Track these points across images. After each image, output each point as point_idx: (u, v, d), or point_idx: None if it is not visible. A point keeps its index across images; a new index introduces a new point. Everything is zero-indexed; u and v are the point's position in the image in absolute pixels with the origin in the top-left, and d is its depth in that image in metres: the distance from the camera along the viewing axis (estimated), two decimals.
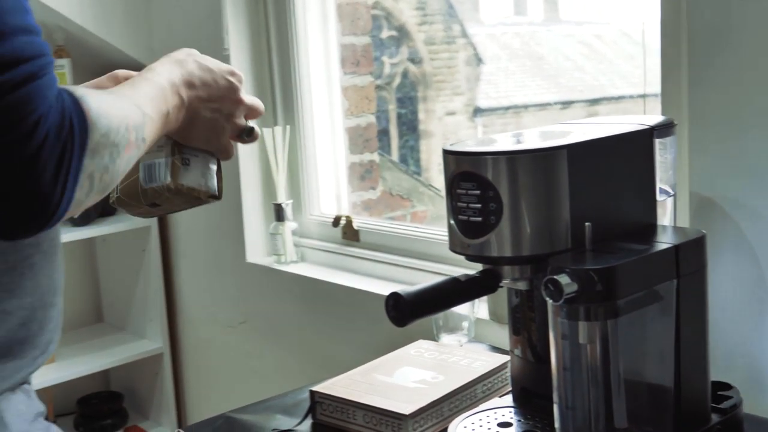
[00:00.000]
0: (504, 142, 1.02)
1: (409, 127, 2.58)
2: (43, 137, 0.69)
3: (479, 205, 0.94)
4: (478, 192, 0.94)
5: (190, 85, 0.92)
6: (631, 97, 1.38)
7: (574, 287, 0.87)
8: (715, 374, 1.16)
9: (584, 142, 0.96)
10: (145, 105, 0.83)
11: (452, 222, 0.98)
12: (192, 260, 2.34)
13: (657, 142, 1.05)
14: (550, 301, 0.88)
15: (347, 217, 1.96)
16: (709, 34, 1.16)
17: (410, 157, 2.96)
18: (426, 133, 2.59)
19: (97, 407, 2.49)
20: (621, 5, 1.33)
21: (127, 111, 0.80)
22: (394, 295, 0.90)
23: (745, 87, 1.14)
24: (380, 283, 1.81)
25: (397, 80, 2.60)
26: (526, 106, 2.82)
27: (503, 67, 2.78)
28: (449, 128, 2.62)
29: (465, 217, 0.96)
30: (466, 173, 0.95)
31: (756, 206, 1.14)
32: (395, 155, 2.67)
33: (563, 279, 0.86)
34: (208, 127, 0.95)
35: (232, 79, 0.97)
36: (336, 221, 1.97)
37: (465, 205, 0.96)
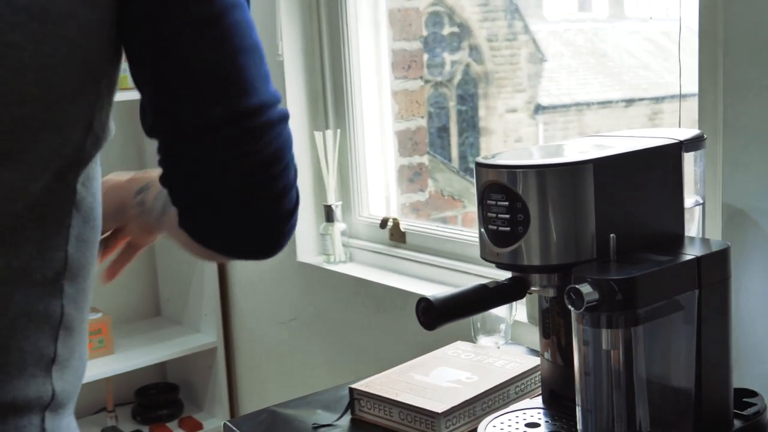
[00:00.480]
0: (534, 156, 1.06)
1: (469, 124, 2.59)
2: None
3: (507, 216, 0.99)
4: (506, 203, 0.99)
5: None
6: (695, 95, 1.39)
7: (596, 296, 0.91)
8: (740, 381, 1.18)
9: (610, 156, 1.00)
10: None
11: (483, 230, 1.03)
12: None
13: (686, 155, 1.08)
14: (572, 309, 0.92)
15: (394, 219, 2.02)
16: (745, 44, 1.18)
17: (470, 155, 2.97)
18: (486, 131, 2.60)
19: (154, 398, 2.60)
20: (688, 1, 1.34)
21: None
22: (424, 301, 0.96)
23: None
24: (425, 284, 1.87)
25: (458, 77, 2.61)
26: (588, 104, 2.80)
27: (566, 64, 2.77)
28: (510, 126, 2.63)
29: (494, 227, 1.01)
30: (496, 185, 1.00)
31: None
32: (455, 153, 2.69)
33: (585, 288, 0.91)
34: None
35: None
36: (383, 223, 2.02)
37: (494, 215, 1.00)
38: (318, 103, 2.15)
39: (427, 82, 2.31)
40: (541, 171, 0.97)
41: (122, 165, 2.33)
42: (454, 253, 1.85)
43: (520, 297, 1.03)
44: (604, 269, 0.95)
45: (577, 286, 0.91)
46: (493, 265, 1.05)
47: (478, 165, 1.02)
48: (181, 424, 2.54)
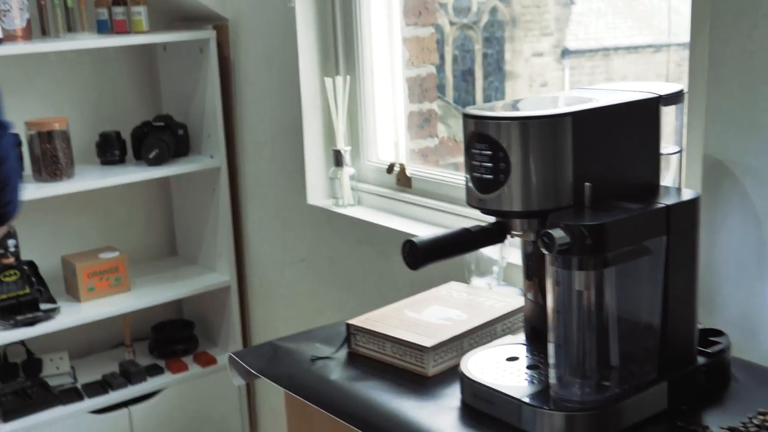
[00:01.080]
0: (518, 108, 1.13)
1: (495, 68, 2.60)
2: None
3: (490, 164, 1.06)
4: (490, 152, 1.06)
5: None
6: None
7: (567, 240, 0.98)
8: (712, 322, 1.26)
9: (589, 109, 1.06)
10: None
11: (468, 177, 1.10)
12: (258, 201, 2.51)
13: (666, 108, 1.14)
14: (545, 252, 1.00)
15: (401, 164, 2.09)
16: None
17: (495, 99, 2.96)
18: (512, 75, 2.60)
19: (170, 333, 2.71)
20: None
21: None
22: (409, 242, 1.04)
23: (764, 57, 1.21)
24: (429, 227, 1.94)
25: (485, 19, 2.61)
26: (615, 49, 2.77)
27: (594, 8, 2.73)
28: (535, 70, 2.63)
29: (478, 174, 1.08)
30: (480, 135, 1.06)
31: (762, 170, 1.23)
32: (479, 96, 2.70)
33: (557, 233, 0.98)
34: None
35: None
36: (390, 168, 2.10)
37: (479, 163, 1.07)
38: (329, 50, 2.21)
39: (452, 24, 2.33)
40: (523, 123, 1.04)
41: None
42: (457, 198, 1.92)
43: (501, 240, 1.11)
44: (578, 215, 1.02)
45: (549, 231, 0.98)
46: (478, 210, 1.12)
47: (465, 116, 1.09)
48: (196, 358, 2.66)
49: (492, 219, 1.13)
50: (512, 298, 1.41)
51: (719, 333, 1.20)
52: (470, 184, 1.10)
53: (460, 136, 2.91)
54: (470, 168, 1.09)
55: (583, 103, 1.09)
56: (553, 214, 1.03)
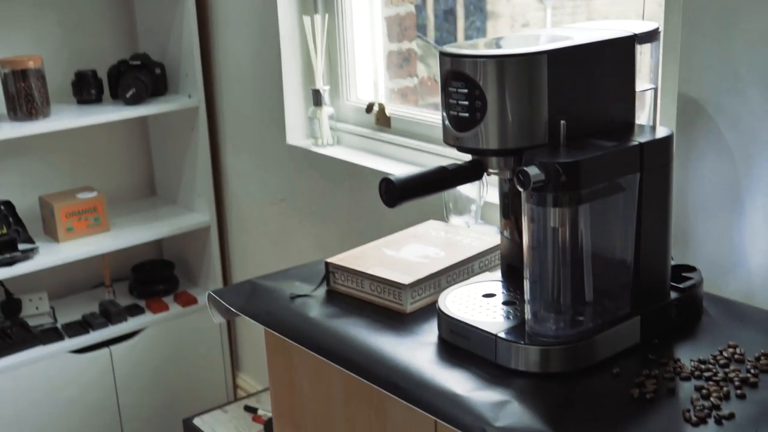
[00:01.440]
0: (496, 46, 1.13)
1: (477, 7, 2.59)
2: None
3: (467, 102, 1.06)
4: (466, 90, 1.06)
5: None
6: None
7: (542, 177, 0.99)
8: (686, 258, 1.29)
9: (564, 48, 1.06)
10: None
11: (445, 116, 1.10)
12: (237, 140, 2.50)
13: (641, 47, 1.14)
14: (521, 189, 1.01)
15: (380, 104, 2.08)
16: None
17: (476, 38, 2.93)
18: (493, 15, 2.59)
19: (150, 273, 2.72)
20: None
21: None
22: (386, 180, 1.04)
23: (733, 4, 1.21)
24: (408, 167, 1.95)
25: None
26: None
27: None
28: (517, 10, 2.62)
29: (455, 113, 1.08)
30: (457, 73, 1.06)
31: (734, 108, 1.24)
32: (461, 36, 2.69)
33: (532, 170, 0.99)
34: None
35: None
36: (369, 108, 2.09)
37: (455, 101, 1.08)
38: None
39: None
40: (499, 61, 1.04)
41: None
42: (436, 137, 1.93)
43: (478, 178, 1.12)
44: (553, 153, 1.03)
45: (525, 168, 0.99)
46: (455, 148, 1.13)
47: (442, 54, 1.09)
48: (177, 298, 2.67)
49: (469, 157, 1.14)
50: (489, 237, 1.43)
51: (692, 269, 1.22)
52: (447, 123, 1.11)
53: (439, 76, 2.90)
54: (447, 106, 1.10)
55: (560, 41, 1.09)
56: (529, 151, 1.04)
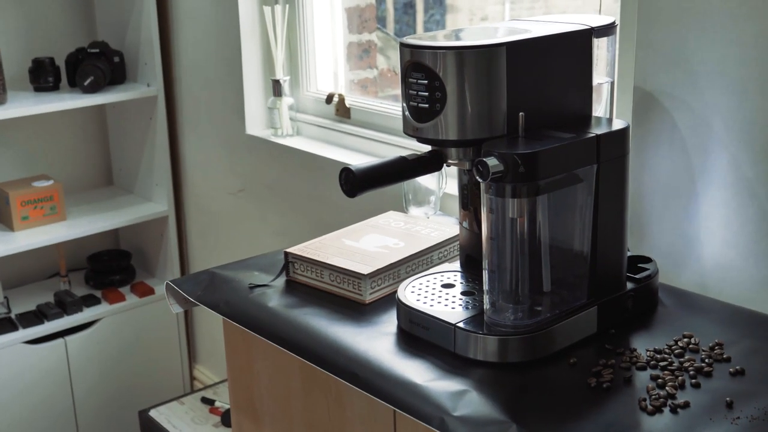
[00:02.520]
0: (455, 38, 1.13)
1: (436, 1, 2.60)
2: None
3: (426, 93, 1.07)
4: (426, 82, 1.06)
5: None
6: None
7: (500, 168, 1.00)
8: (641, 250, 1.30)
9: (522, 40, 1.07)
10: None
11: (404, 106, 1.10)
12: (196, 130, 2.48)
13: (598, 41, 1.15)
14: (480, 180, 1.02)
15: (340, 95, 2.08)
16: None
17: (435, 30, 2.94)
18: (453, 8, 2.60)
19: (106, 263, 2.69)
20: None
21: None
22: (346, 170, 1.04)
23: None
24: (368, 158, 1.95)
25: None
26: None
27: None
28: (476, 3, 2.64)
29: (415, 104, 1.08)
30: (417, 64, 1.07)
31: (688, 100, 1.26)
32: (420, 29, 2.71)
33: (491, 161, 1.00)
34: None
35: None
36: (329, 98, 2.09)
37: (415, 92, 1.08)
38: None
39: None
40: (458, 52, 1.04)
41: None
42: (396, 128, 1.93)
43: (437, 169, 1.12)
44: (511, 144, 1.04)
45: (484, 159, 1.00)
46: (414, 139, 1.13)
47: (402, 45, 1.09)
48: (133, 289, 2.65)
49: (428, 148, 1.14)
50: (448, 227, 1.44)
51: (647, 260, 1.24)
52: (407, 113, 1.11)
53: (399, 68, 2.90)
54: (407, 97, 1.10)
55: (518, 34, 1.10)
56: (488, 142, 1.05)
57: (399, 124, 1.93)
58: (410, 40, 1.08)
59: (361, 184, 1.04)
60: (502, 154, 1.00)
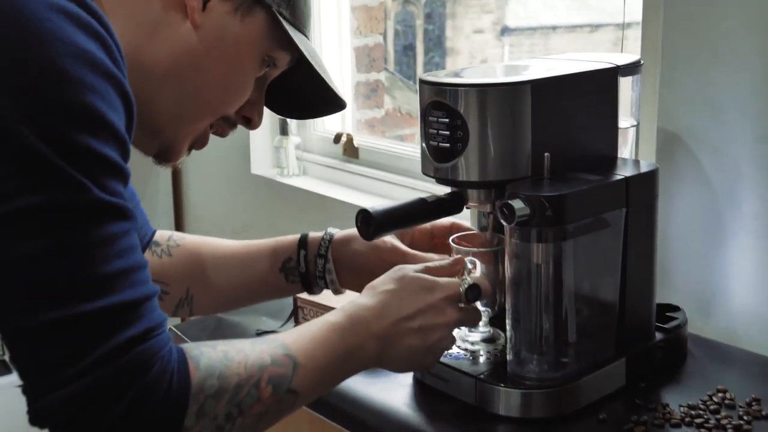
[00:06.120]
0: (477, 75, 1.09)
1: (436, 43, 2.59)
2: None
3: (447, 133, 1.02)
4: (447, 120, 1.01)
5: (380, 315, 0.89)
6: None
7: (527, 211, 0.95)
8: (667, 297, 1.25)
9: (548, 78, 1.02)
10: (302, 352, 0.82)
11: (424, 146, 1.06)
12: (200, 169, 2.43)
13: (622, 80, 1.11)
14: (504, 224, 0.96)
15: (348, 134, 2.04)
16: None
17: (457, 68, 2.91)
18: (452, 51, 2.59)
19: None
20: None
21: (258, 365, 0.77)
22: (364, 212, 0.99)
23: (717, 28, 1.19)
24: (376, 199, 1.90)
25: None
26: (554, 28, 2.79)
27: None
28: (476, 47, 2.63)
29: (435, 143, 1.03)
30: (437, 102, 1.02)
31: (715, 141, 1.21)
32: (420, 71, 2.69)
33: (517, 203, 0.94)
34: (407, 358, 0.92)
35: (438, 300, 0.93)
36: (337, 138, 2.04)
37: (435, 131, 1.03)
38: None
39: None
40: (482, 90, 1.00)
41: None
42: (405, 169, 1.88)
43: (458, 211, 1.07)
44: (537, 186, 0.99)
45: (509, 201, 0.95)
46: (433, 180, 1.08)
47: (422, 82, 1.04)
48: None
49: (445, 189, 1.09)
50: None
51: (675, 308, 1.18)
52: (426, 153, 1.06)
53: (405, 108, 2.88)
54: (426, 136, 1.05)
55: (543, 71, 1.06)
56: (512, 184, 1.00)
57: (409, 165, 1.89)
58: (430, 77, 1.04)
59: (380, 227, 0.99)
60: (528, 196, 0.95)
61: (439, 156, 1.03)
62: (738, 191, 1.20)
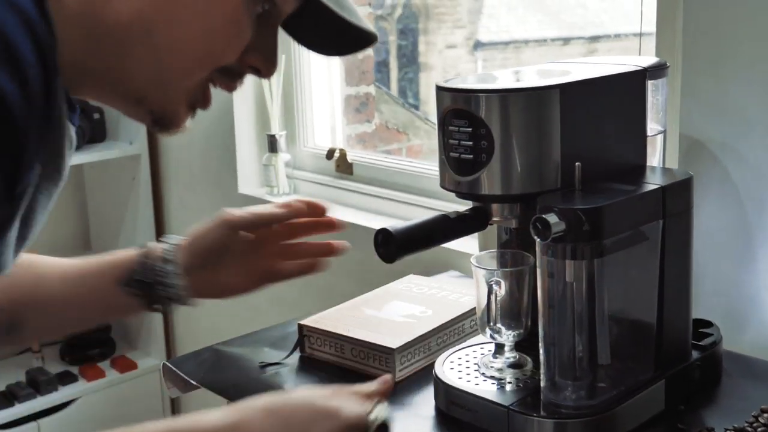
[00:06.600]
0: (498, 80, 1.01)
1: (409, 59, 2.56)
2: None
3: (470, 143, 0.94)
4: (469, 129, 0.94)
5: None
6: (630, 35, 1.36)
7: (562, 226, 0.87)
8: (697, 312, 1.17)
9: (577, 81, 0.95)
10: None
11: (444, 158, 0.98)
12: (183, 190, 2.34)
13: (649, 83, 1.04)
14: (537, 240, 0.89)
15: (341, 150, 1.96)
16: None
17: (409, 90, 2.91)
18: (426, 66, 2.57)
19: (83, 337, 2.48)
20: None
21: None
22: (383, 231, 0.91)
23: (738, 34, 1.13)
24: (373, 216, 1.82)
25: (399, 11, 2.55)
26: (526, 42, 2.78)
27: (505, 1, 2.74)
28: (449, 62, 2.60)
29: (456, 155, 0.96)
30: (459, 110, 0.94)
31: (742, 150, 1.15)
32: (394, 88, 2.64)
33: (551, 218, 0.87)
34: None
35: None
36: (330, 154, 1.96)
37: (457, 142, 0.95)
38: None
39: (378, 8, 2.25)
40: (507, 96, 0.92)
41: None
42: (402, 184, 1.81)
43: (481, 228, 0.99)
44: (569, 199, 0.91)
45: (543, 216, 0.87)
46: (446, 196, 1.01)
47: (440, 89, 0.97)
48: (114, 363, 2.46)
49: (459, 206, 1.01)
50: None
51: (708, 324, 1.11)
52: (446, 166, 0.98)
53: (393, 122, 2.82)
54: (446, 147, 0.97)
55: (566, 75, 0.99)
56: (542, 197, 0.92)
57: (407, 180, 1.81)
58: (449, 83, 0.96)
59: (401, 247, 0.91)
60: (563, 209, 0.88)
61: (461, 168, 0.96)
62: (765, 199, 1.13)
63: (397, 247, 0.90)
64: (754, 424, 0.95)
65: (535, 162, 0.94)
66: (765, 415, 0.97)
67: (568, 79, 0.95)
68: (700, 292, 1.21)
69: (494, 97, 0.92)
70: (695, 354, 1.05)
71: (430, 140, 2.47)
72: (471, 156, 0.94)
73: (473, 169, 0.95)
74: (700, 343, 1.06)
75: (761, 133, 1.12)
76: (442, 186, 1.00)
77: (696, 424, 0.96)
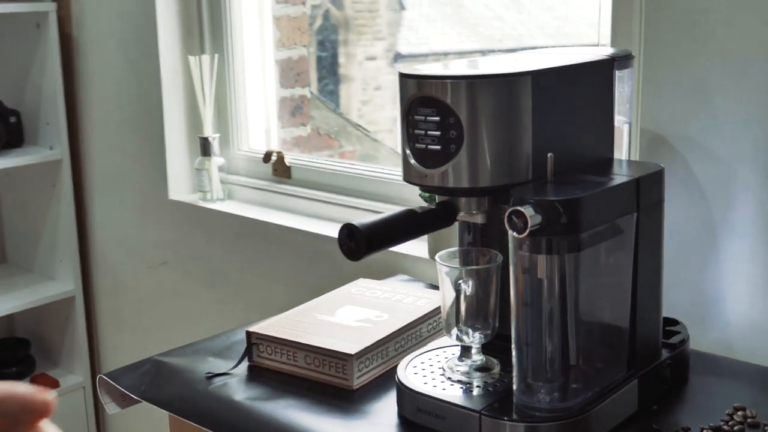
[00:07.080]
0: (465, 67, 0.96)
1: (329, 70, 2.53)
2: None
3: (438, 133, 0.89)
4: (437, 119, 0.88)
5: None
6: (548, 47, 1.35)
7: (539, 219, 0.82)
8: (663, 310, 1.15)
9: (550, 68, 0.91)
10: None
11: (408, 151, 0.92)
12: (108, 197, 2.23)
13: (616, 73, 1.01)
14: (513, 234, 0.84)
15: (278, 152, 1.89)
16: None
17: (330, 101, 2.87)
18: (346, 78, 2.54)
19: (1, 354, 2.36)
20: None
21: None
22: (349, 227, 0.85)
23: (702, 25, 1.11)
24: (313, 221, 1.76)
25: (318, 22, 2.52)
26: (446, 54, 2.79)
27: (424, 14, 2.75)
28: (369, 73, 2.58)
29: (422, 146, 0.90)
30: (426, 98, 0.89)
31: (707, 144, 1.13)
32: None
33: (528, 210, 0.82)
34: None
35: None
36: (267, 157, 1.89)
37: (423, 132, 0.90)
38: (192, 23, 1.97)
39: None
40: (478, 82, 0.87)
41: None
42: (342, 187, 1.75)
43: (449, 224, 0.94)
44: (543, 191, 0.87)
45: (520, 208, 0.82)
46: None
47: (404, 76, 0.91)
48: (34, 381, 2.32)
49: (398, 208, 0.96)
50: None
51: (674, 322, 1.08)
52: (411, 158, 0.92)
53: (324, 128, 2.76)
54: (410, 138, 0.92)
55: (540, 62, 0.94)
56: (516, 189, 0.87)
57: (347, 183, 1.75)
58: (414, 70, 0.91)
59: (369, 244, 0.85)
60: (540, 201, 0.83)
61: (427, 160, 0.90)
62: (732, 196, 1.11)
63: (365, 244, 0.84)
64: (730, 422, 0.92)
65: (506, 153, 0.89)
66: (739, 413, 0.95)
67: (541, 66, 0.91)
68: (665, 291, 1.19)
69: (464, 83, 0.87)
70: (665, 352, 1.02)
71: (362, 146, 2.42)
72: (439, 147, 0.89)
73: (442, 161, 0.89)
74: (669, 341, 1.03)
75: (727, 123, 1.10)
76: (406, 179, 0.95)
77: (670, 425, 0.93)
